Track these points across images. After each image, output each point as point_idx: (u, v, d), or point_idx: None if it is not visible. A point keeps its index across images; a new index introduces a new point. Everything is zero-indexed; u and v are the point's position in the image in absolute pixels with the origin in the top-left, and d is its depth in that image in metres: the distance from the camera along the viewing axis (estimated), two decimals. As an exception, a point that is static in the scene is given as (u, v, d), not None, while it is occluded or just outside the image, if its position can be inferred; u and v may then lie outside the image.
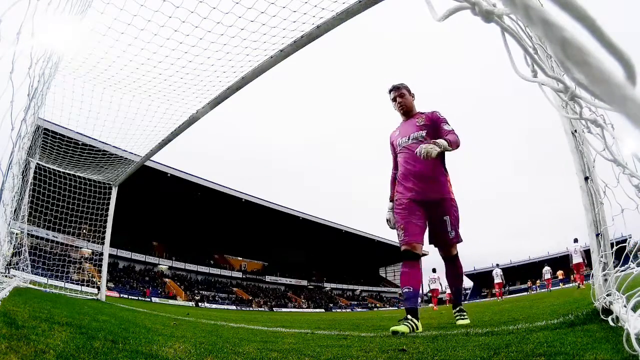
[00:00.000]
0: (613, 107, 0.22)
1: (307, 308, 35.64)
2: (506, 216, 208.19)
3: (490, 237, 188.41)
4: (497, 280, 16.53)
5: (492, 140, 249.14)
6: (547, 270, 18.45)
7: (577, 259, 11.74)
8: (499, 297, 16.55)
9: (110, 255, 7.57)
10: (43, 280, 9.68)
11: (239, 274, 38.34)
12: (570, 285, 16.02)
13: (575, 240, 12.09)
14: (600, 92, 0.21)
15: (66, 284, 8.16)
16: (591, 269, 2.10)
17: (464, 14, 0.41)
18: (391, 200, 3.01)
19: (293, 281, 42.00)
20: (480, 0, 0.37)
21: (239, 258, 41.19)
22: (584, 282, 11.39)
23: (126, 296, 23.29)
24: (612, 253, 1.85)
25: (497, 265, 20.06)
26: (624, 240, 1.61)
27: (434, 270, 15.11)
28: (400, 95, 3.00)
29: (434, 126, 2.88)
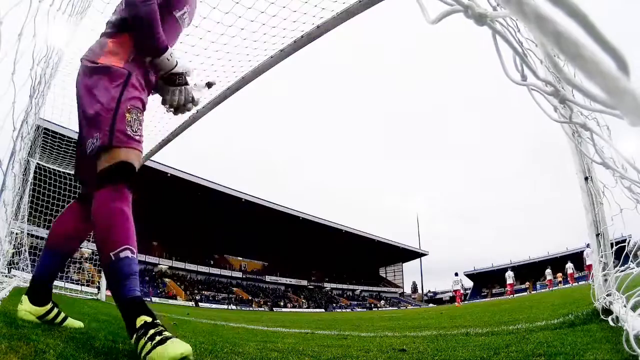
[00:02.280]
0: (609, 99, 0.22)
1: (307, 308, 35.63)
2: (506, 216, 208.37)
3: (490, 237, 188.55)
4: (510, 281, 19.26)
5: (492, 141, 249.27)
6: (549, 273, 21.18)
7: (589, 261, 14.44)
8: (511, 295, 18.70)
9: (110, 255, 7.56)
10: (43, 280, 9.66)
11: (239, 274, 38.34)
12: (571, 285, 18.09)
13: (588, 245, 15.80)
14: (596, 85, 0.21)
15: (66, 284, 8.17)
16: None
17: (457, 16, 0.41)
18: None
19: (293, 281, 42.00)
20: (473, 3, 0.37)
21: (239, 258, 41.19)
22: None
23: (126, 296, 23.24)
24: (612, 253, 1.85)
25: (509, 268, 23.20)
26: (624, 240, 1.61)
27: (456, 274, 17.82)
28: None
29: None
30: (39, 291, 1.52)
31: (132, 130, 1.45)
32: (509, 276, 19.40)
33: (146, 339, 1.07)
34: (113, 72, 1.45)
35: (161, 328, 1.12)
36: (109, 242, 1.24)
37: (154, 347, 1.05)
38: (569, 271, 18.73)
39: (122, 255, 1.22)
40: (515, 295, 18.76)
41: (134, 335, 1.11)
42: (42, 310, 1.50)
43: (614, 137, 1.33)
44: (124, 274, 1.20)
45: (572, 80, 0.30)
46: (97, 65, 1.46)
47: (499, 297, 27.44)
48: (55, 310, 1.54)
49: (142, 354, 1.06)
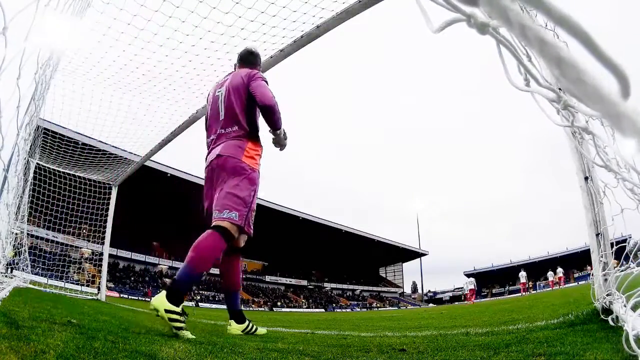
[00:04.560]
0: (608, 121, 0.22)
1: (307, 308, 35.62)
2: (506, 217, 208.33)
3: (490, 238, 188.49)
4: (522, 280, 22.01)
5: (494, 142, 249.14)
6: (550, 274, 23.78)
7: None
8: (524, 293, 21.26)
9: (110, 255, 7.58)
10: (43, 280, 9.67)
11: (239, 274, 38.32)
12: (560, 287, 20.50)
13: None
14: (596, 108, 0.22)
15: (66, 284, 8.16)
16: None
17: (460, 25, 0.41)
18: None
19: (293, 281, 42.00)
20: (476, 12, 0.37)
21: (239, 258, 41.16)
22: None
23: (126, 296, 23.30)
24: (612, 253, 1.85)
25: (522, 268, 25.80)
26: (624, 240, 1.61)
27: (478, 277, 20.81)
28: None
29: None
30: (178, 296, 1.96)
31: (252, 223, 2.28)
32: (522, 276, 21.91)
33: (251, 324, 2.44)
34: (253, 176, 2.29)
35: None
36: (195, 269, 1.98)
37: (256, 328, 2.42)
38: (559, 274, 22.20)
39: (198, 276, 2.04)
40: (526, 293, 21.25)
41: (171, 308, 1.84)
42: (243, 326, 2.38)
43: (617, 135, 1.32)
44: (189, 282, 2.00)
45: (576, 95, 0.30)
46: (245, 164, 2.27)
47: (513, 295, 29.31)
48: (252, 325, 2.43)
49: (252, 330, 2.39)
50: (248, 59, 2.69)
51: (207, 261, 2.02)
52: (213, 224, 2.14)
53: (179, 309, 1.84)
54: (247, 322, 2.41)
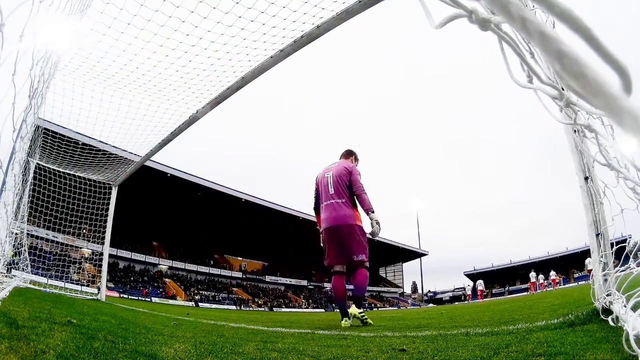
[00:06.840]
0: (609, 117, 0.22)
1: (307, 308, 35.61)
2: (506, 217, 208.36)
3: (490, 238, 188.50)
4: (532, 280, 24.60)
5: (494, 142, 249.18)
6: (541, 277, 25.66)
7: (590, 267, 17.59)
8: (533, 292, 22.97)
9: (110, 255, 7.58)
10: (43, 280, 9.67)
11: (239, 274, 38.30)
12: (553, 288, 21.87)
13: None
14: (597, 104, 0.21)
15: (66, 284, 8.16)
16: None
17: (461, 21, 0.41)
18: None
19: (293, 281, 41.98)
20: (477, 8, 0.37)
21: (239, 258, 41.14)
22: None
23: (126, 296, 23.29)
24: (612, 253, 1.85)
25: (533, 269, 28.26)
26: (624, 240, 1.60)
27: (479, 278, 23.59)
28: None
29: None
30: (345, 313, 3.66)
31: (368, 254, 3.84)
32: (532, 276, 24.58)
33: (364, 314, 3.62)
34: (364, 231, 3.81)
35: (366, 315, 3.65)
36: (364, 289, 3.74)
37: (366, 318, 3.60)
38: (552, 277, 23.84)
39: (365, 293, 4.07)
40: (535, 292, 22.79)
41: (360, 310, 3.59)
42: (349, 323, 3.54)
43: (617, 135, 1.33)
44: (363, 296, 3.80)
45: (577, 90, 0.30)
46: (358, 225, 3.76)
47: (514, 295, 30.46)
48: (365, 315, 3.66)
49: (364, 317, 3.57)
50: (347, 153, 4.30)
51: (365, 283, 3.71)
52: (359, 264, 3.70)
53: (361, 309, 3.55)
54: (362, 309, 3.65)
